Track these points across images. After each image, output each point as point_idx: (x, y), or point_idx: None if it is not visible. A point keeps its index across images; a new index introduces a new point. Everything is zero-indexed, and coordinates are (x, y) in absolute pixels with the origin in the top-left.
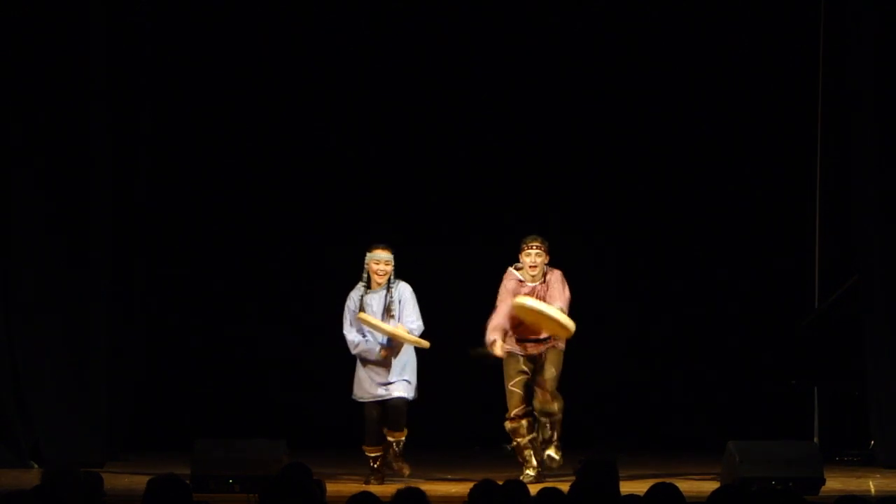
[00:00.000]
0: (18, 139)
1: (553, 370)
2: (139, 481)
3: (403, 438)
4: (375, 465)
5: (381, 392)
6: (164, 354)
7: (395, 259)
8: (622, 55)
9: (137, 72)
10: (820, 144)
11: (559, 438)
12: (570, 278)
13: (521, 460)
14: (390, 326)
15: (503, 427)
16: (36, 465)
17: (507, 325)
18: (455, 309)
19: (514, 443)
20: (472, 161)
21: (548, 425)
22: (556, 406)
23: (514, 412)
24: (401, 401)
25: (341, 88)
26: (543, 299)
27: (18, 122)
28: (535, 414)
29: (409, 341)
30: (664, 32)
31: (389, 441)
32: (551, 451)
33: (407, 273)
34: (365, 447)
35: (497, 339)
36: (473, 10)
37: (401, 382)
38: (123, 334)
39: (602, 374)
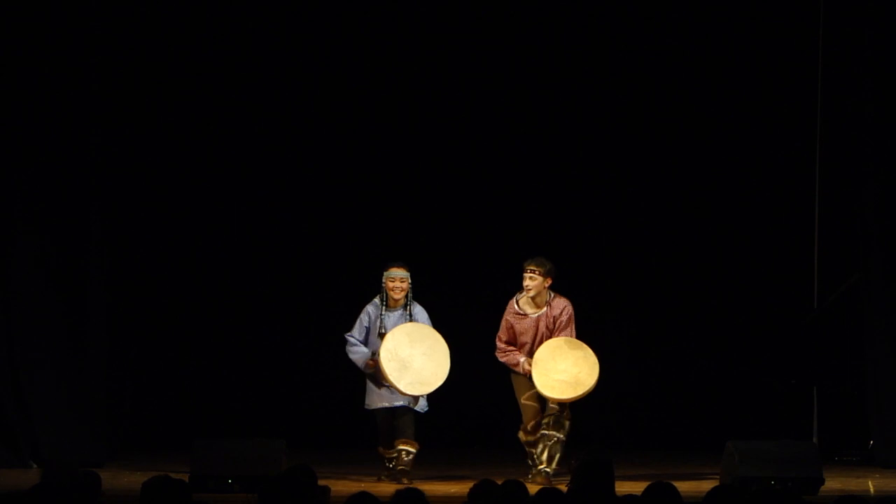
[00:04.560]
0: (17, 139)
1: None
2: (139, 481)
3: (414, 450)
4: (390, 465)
5: (387, 397)
6: (163, 354)
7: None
8: (622, 56)
9: (137, 71)
10: (820, 145)
11: (556, 465)
12: (568, 277)
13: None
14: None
15: (503, 428)
16: (36, 465)
17: (516, 347)
18: (458, 312)
19: (531, 455)
20: (462, 164)
21: (548, 448)
22: (566, 423)
23: (530, 425)
24: (408, 412)
25: (339, 87)
26: (550, 332)
27: (18, 123)
28: (542, 431)
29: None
30: (664, 34)
31: (400, 449)
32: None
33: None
34: (380, 448)
35: (522, 359)
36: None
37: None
38: (123, 334)
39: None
